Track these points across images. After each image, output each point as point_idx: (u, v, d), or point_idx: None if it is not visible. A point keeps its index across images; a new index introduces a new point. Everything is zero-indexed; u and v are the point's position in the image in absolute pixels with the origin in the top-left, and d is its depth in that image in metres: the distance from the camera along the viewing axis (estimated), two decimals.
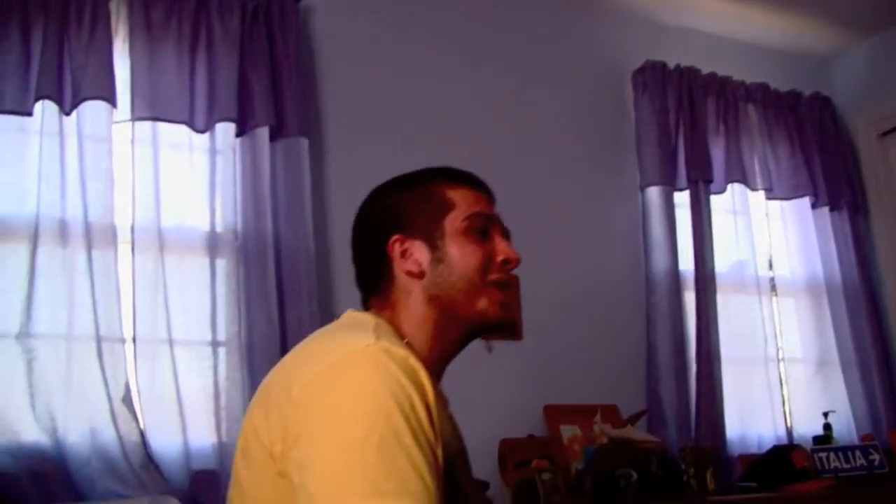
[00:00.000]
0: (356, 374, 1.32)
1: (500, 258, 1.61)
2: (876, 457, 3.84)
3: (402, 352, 1.36)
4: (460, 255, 1.58)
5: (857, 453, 3.84)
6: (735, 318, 4.20)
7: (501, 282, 1.61)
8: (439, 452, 1.34)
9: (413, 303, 1.59)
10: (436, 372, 1.58)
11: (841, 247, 4.51)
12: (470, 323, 1.60)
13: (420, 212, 1.62)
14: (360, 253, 1.69)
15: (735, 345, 4.14)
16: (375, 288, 1.64)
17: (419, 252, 1.60)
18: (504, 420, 3.34)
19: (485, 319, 1.60)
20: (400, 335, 1.54)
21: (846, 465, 3.78)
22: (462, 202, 1.62)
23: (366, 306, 1.66)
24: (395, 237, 1.61)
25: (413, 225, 1.61)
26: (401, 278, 1.60)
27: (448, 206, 1.62)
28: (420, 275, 1.59)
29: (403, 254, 1.60)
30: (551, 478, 3.19)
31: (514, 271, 1.64)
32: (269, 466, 1.36)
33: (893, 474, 3.85)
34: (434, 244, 1.59)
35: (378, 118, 3.63)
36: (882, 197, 4.65)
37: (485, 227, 1.62)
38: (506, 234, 1.66)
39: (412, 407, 1.30)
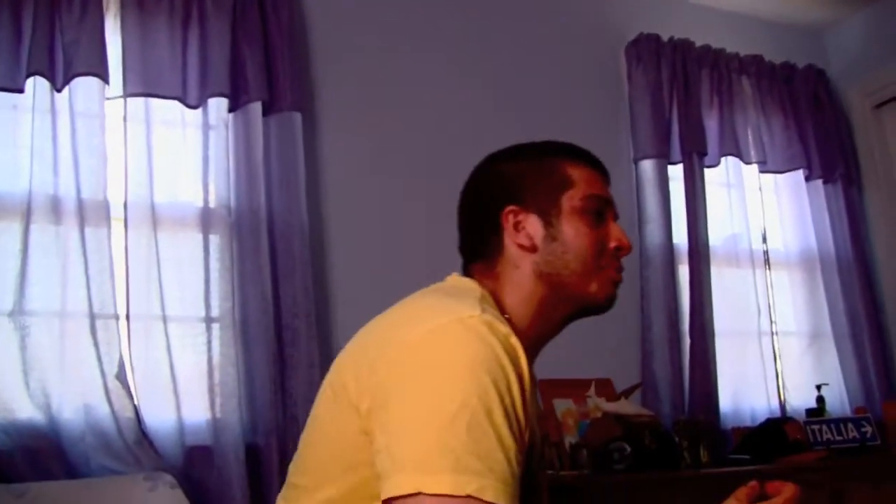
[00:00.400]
0: (457, 344, 1.30)
1: (613, 244, 1.58)
2: (868, 429, 3.86)
3: (504, 328, 1.35)
4: (575, 235, 1.55)
5: (850, 425, 3.86)
6: (729, 291, 4.20)
7: (614, 267, 1.59)
8: (527, 436, 1.33)
9: (520, 277, 1.56)
10: (533, 350, 1.55)
11: (835, 220, 4.51)
12: (580, 304, 1.57)
13: (538, 185, 1.59)
14: (470, 218, 1.66)
15: (729, 318, 4.15)
16: (480, 256, 1.61)
17: (532, 226, 1.57)
18: None
19: (596, 302, 1.57)
20: (501, 308, 1.52)
21: (839, 438, 3.81)
22: (581, 181, 1.59)
23: (466, 272, 1.63)
24: (510, 208, 1.58)
25: (529, 197, 1.58)
26: (510, 250, 1.57)
27: (567, 184, 1.58)
28: (532, 249, 1.56)
29: (516, 226, 1.57)
30: (546, 451, 3.20)
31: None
32: (353, 422, 1.34)
33: (885, 446, 3.87)
34: (549, 220, 1.56)
35: (371, 92, 3.62)
36: (876, 169, 4.65)
37: (600, 210, 1.60)
38: (617, 218, 1.64)
39: (508, 387, 1.29)
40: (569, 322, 1.60)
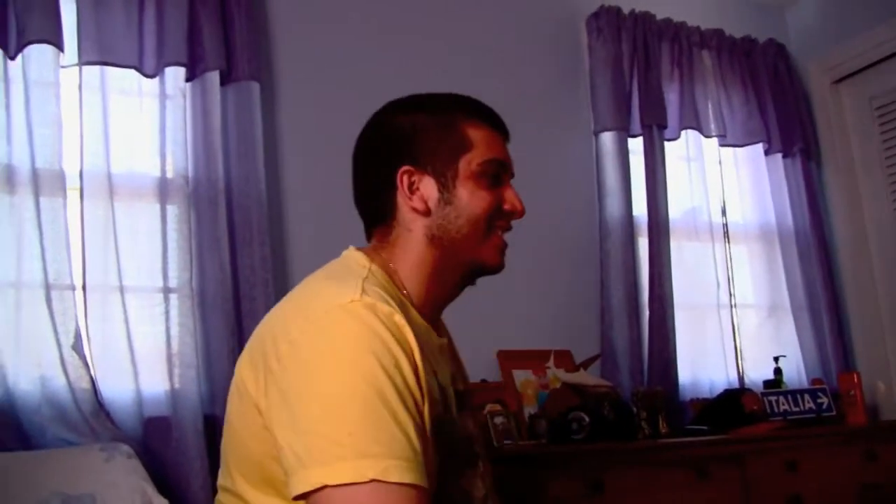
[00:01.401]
0: (339, 333, 1.29)
1: (507, 207, 1.57)
2: (824, 400, 3.91)
3: (386, 308, 1.33)
4: (469, 199, 1.53)
5: (806, 397, 3.91)
6: (688, 264, 4.23)
7: (503, 230, 1.59)
8: (426, 411, 1.34)
9: (413, 241, 1.54)
10: (431, 313, 1.56)
11: (793, 193, 4.54)
12: (469, 267, 1.56)
13: (437, 146, 1.54)
14: (364, 176, 1.61)
15: (688, 291, 4.18)
16: (377, 218, 1.58)
17: (428, 188, 1.53)
18: None
19: (484, 265, 1.57)
20: (394, 276, 1.52)
21: (795, 409, 3.85)
22: (482, 144, 1.55)
23: (368, 234, 1.61)
24: (406, 168, 1.53)
25: (426, 158, 1.54)
26: (404, 213, 1.54)
27: (466, 146, 1.54)
28: (425, 213, 1.53)
29: (411, 187, 1.53)
30: (504, 422, 3.22)
31: None
32: (257, 418, 1.35)
33: (840, 417, 3.93)
34: (444, 183, 1.53)
35: (330, 62, 3.60)
36: (834, 143, 4.68)
37: (497, 173, 1.57)
38: (512, 178, 1.62)
39: (397, 366, 1.29)
40: (465, 284, 1.60)
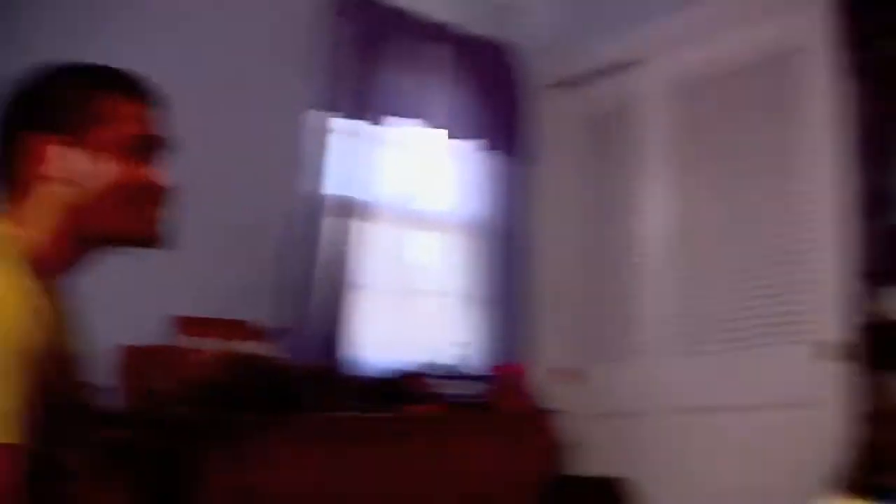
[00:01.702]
0: None
1: (147, 182, 1.57)
2: (489, 387, 4.18)
3: (8, 270, 1.35)
4: (105, 171, 1.53)
5: (474, 382, 4.17)
6: (390, 248, 4.40)
7: (150, 206, 1.59)
8: (40, 375, 1.33)
9: (45, 208, 1.52)
10: (58, 279, 1.55)
11: (504, 189, 4.76)
12: (105, 238, 1.57)
13: (73, 114, 1.53)
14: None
15: (384, 274, 4.35)
16: (10, 184, 1.54)
17: (61, 157, 1.51)
18: (129, 327, 3.35)
19: (132, 238, 1.59)
20: (25, 241, 1.48)
21: (461, 392, 4.09)
22: (122, 117, 1.55)
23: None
24: (40, 135, 1.51)
25: (62, 126, 1.52)
26: (36, 179, 1.52)
27: (105, 117, 1.54)
28: (59, 181, 1.51)
29: (44, 155, 1.51)
30: (172, 388, 3.29)
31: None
32: None
33: (500, 403, 4.21)
34: (80, 153, 1.52)
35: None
36: (550, 144, 4.90)
37: (142, 147, 1.57)
38: (164, 151, 1.62)
39: (10, 327, 1.29)
40: (101, 251, 1.60)
